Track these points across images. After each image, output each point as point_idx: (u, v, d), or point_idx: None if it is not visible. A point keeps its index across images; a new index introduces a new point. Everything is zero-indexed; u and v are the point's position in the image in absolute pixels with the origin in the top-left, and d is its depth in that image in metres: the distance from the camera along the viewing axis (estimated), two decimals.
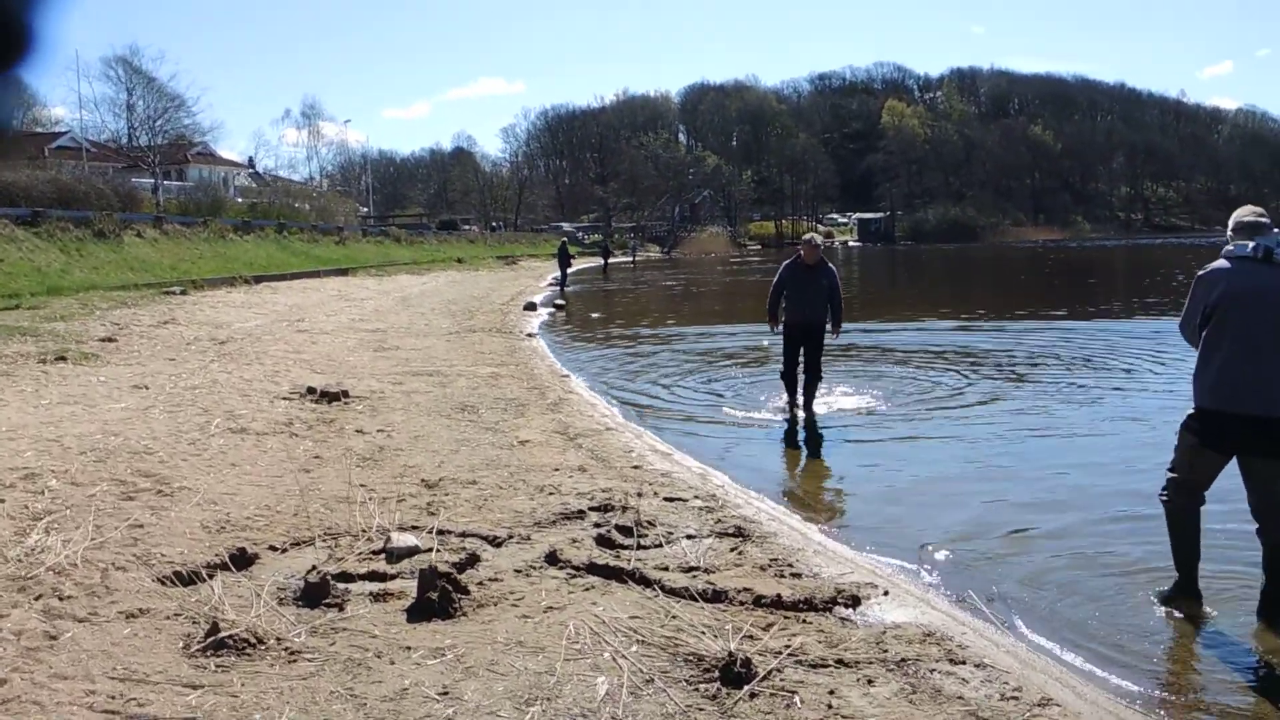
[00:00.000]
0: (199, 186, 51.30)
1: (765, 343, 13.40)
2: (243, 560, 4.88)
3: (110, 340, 13.92)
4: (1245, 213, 4.87)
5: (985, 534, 6.09)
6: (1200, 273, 4.81)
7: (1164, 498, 4.94)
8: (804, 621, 4.27)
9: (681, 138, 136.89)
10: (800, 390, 10.23)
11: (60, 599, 4.20)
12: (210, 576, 4.61)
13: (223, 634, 3.81)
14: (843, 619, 4.35)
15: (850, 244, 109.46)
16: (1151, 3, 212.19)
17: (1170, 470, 4.95)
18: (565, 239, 47.31)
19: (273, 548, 5.14)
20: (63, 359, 11.83)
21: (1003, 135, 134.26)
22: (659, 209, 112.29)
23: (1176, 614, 4.78)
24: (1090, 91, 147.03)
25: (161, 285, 24.57)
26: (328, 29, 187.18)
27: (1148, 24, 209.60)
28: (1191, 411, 4.85)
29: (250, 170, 73.77)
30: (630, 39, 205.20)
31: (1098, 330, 18.63)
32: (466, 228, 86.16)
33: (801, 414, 10.05)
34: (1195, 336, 4.84)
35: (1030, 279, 42.87)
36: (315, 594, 4.34)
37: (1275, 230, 4.73)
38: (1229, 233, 4.84)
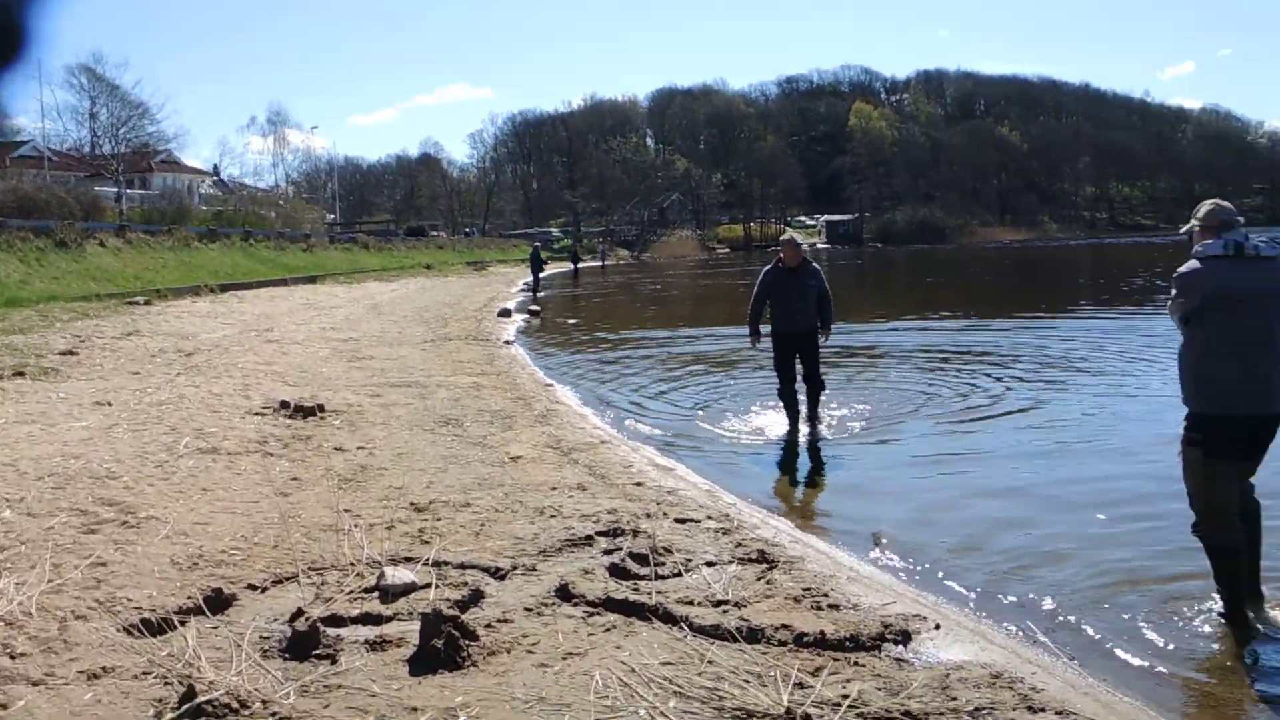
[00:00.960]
0: (163, 195, 50.47)
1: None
2: (219, 602, 4.37)
3: (71, 353, 13.26)
4: (1215, 208, 4.63)
5: (1023, 553, 5.66)
6: (1180, 272, 4.58)
7: (1199, 533, 4.62)
8: (856, 664, 3.81)
9: (650, 142, 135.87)
10: (803, 405, 9.51)
11: (12, 657, 3.68)
12: (183, 624, 4.11)
13: (200, 699, 3.30)
14: (897, 659, 3.90)
15: (819, 246, 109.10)
16: (1114, 4, 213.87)
17: (1191, 504, 4.64)
18: (538, 244, 46.68)
19: (252, 586, 4.63)
20: (20, 374, 11.20)
21: (970, 136, 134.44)
22: (628, 213, 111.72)
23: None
24: (1055, 93, 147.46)
25: (125, 295, 23.82)
26: (293, 36, 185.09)
27: (1110, 25, 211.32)
28: (1189, 422, 4.59)
29: (215, 178, 72.59)
30: (597, 44, 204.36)
31: (1083, 329, 18.30)
32: (435, 234, 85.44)
33: (805, 429, 9.40)
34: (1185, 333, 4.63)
35: (1001, 279, 42.79)
36: (303, 644, 3.83)
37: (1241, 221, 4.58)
38: (1196, 226, 4.61)
